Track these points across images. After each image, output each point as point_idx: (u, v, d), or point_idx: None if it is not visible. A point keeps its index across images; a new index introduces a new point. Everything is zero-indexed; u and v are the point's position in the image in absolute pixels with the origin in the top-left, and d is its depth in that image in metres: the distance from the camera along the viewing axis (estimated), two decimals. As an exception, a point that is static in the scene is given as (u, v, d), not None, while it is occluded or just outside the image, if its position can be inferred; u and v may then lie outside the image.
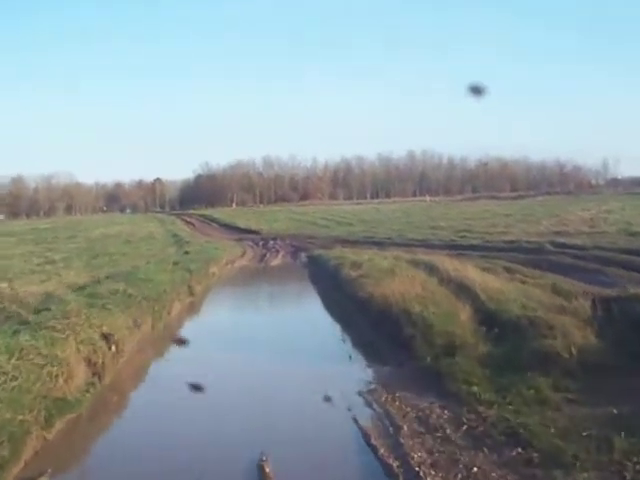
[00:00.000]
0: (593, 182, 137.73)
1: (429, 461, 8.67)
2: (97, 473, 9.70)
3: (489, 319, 14.55)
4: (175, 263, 30.19)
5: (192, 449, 10.06)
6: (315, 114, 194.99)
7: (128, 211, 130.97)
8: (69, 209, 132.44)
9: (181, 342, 17.18)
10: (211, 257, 35.65)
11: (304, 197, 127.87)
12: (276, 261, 39.58)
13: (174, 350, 17.62)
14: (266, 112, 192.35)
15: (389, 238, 42.41)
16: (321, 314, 21.50)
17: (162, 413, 12.29)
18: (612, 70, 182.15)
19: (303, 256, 39.09)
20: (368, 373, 13.72)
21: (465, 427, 9.67)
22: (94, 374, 13.41)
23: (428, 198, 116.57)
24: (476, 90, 6.56)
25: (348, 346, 16.44)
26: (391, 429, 10.10)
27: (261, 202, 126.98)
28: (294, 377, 13.74)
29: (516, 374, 11.26)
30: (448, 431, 9.64)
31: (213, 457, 9.67)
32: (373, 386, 12.56)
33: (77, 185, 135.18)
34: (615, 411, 9.50)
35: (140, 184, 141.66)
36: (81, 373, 12.80)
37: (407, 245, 36.78)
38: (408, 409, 10.88)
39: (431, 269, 22.27)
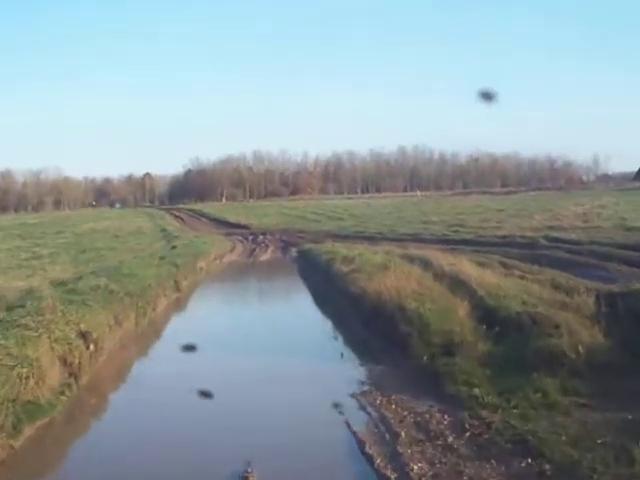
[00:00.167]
0: (584, 178, 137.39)
1: (430, 473, 7.87)
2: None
3: (488, 316, 13.86)
4: (161, 258, 29.51)
5: (174, 455, 9.36)
6: (306, 109, 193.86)
7: (117, 206, 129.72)
8: (58, 204, 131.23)
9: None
10: (199, 252, 35.09)
11: (294, 192, 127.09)
12: (265, 256, 39.06)
13: (158, 347, 16.97)
14: (256, 107, 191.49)
15: (380, 233, 41.88)
16: (312, 310, 20.90)
17: (144, 414, 11.64)
18: (602, 66, 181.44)
19: (293, 251, 38.60)
20: (361, 373, 13.00)
21: (468, 434, 8.87)
22: (70, 374, 12.63)
23: (419, 193, 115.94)
24: (487, 96, 6.44)
25: (340, 344, 15.75)
26: (387, 436, 9.29)
27: (251, 197, 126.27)
28: (283, 378, 12.99)
29: (520, 375, 10.54)
30: (450, 439, 8.83)
31: (195, 470, 8.86)
32: (367, 387, 11.81)
33: (66, 180, 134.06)
34: (630, 416, 8.76)
35: (130, 179, 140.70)
36: (55, 374, 11.99)
37: (399, 240, 36.35)
38: (405, 413, 10.10)
39: (425, 264, 21.60)
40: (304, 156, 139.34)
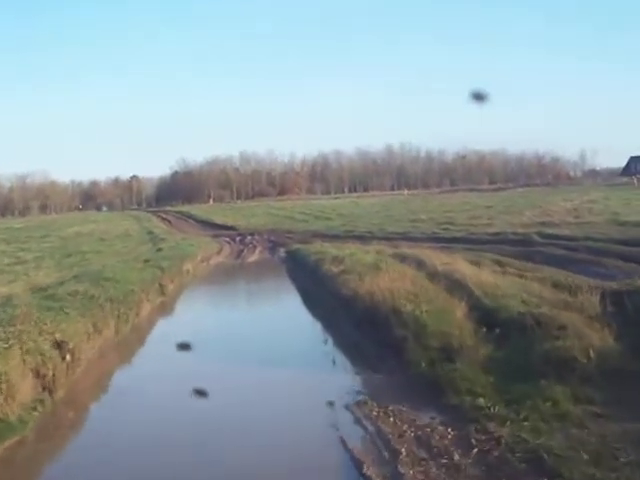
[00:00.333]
0: (571, 174, 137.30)
1: (436, 497, 7.10)
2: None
3: (487, 317, 13.13)
4: (146, 261, 28.68)
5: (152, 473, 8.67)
6: (292, 109, 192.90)
7: (104, 209, 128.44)
8: (44, 208, 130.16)
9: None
10: (186, 254, 34.28)
11: (282, 192, 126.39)
12: (253, 257, 38.28)
13: (140, 354, 16.30)
14: (243, 108, 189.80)
15: (370, 232, 41.08)
16: (301, 313, 20.19)
17: (123, 428, 10.84)
18: (588, 62, 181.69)
19: (282, 251, 37.82)
20: (355, 381, 12.22)
21: (475, 450, 8.03)
22: (44, 388, 11.80)
23: (406, 192, 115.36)
24: (478, 96, 6.51)
25: (331, 348, 14.95)
26: (387, 454, 8.45)
27: (238, 198, 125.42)
28: (270, 387, 12.18)
29: (527, 382, 9.76)
30: (456, 456, 7.96)
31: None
32: (361, 397, 10.95)
33: (52, 184, 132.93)
34: (648, 428, 8.00)
35: (116, 182, 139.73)
36: (27, 388, 11.16)
37: (388, 239, 35.61)
38: (405, 427, 9.24)
39: (418, 263, 20.88)
40: (291, 156, 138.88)
